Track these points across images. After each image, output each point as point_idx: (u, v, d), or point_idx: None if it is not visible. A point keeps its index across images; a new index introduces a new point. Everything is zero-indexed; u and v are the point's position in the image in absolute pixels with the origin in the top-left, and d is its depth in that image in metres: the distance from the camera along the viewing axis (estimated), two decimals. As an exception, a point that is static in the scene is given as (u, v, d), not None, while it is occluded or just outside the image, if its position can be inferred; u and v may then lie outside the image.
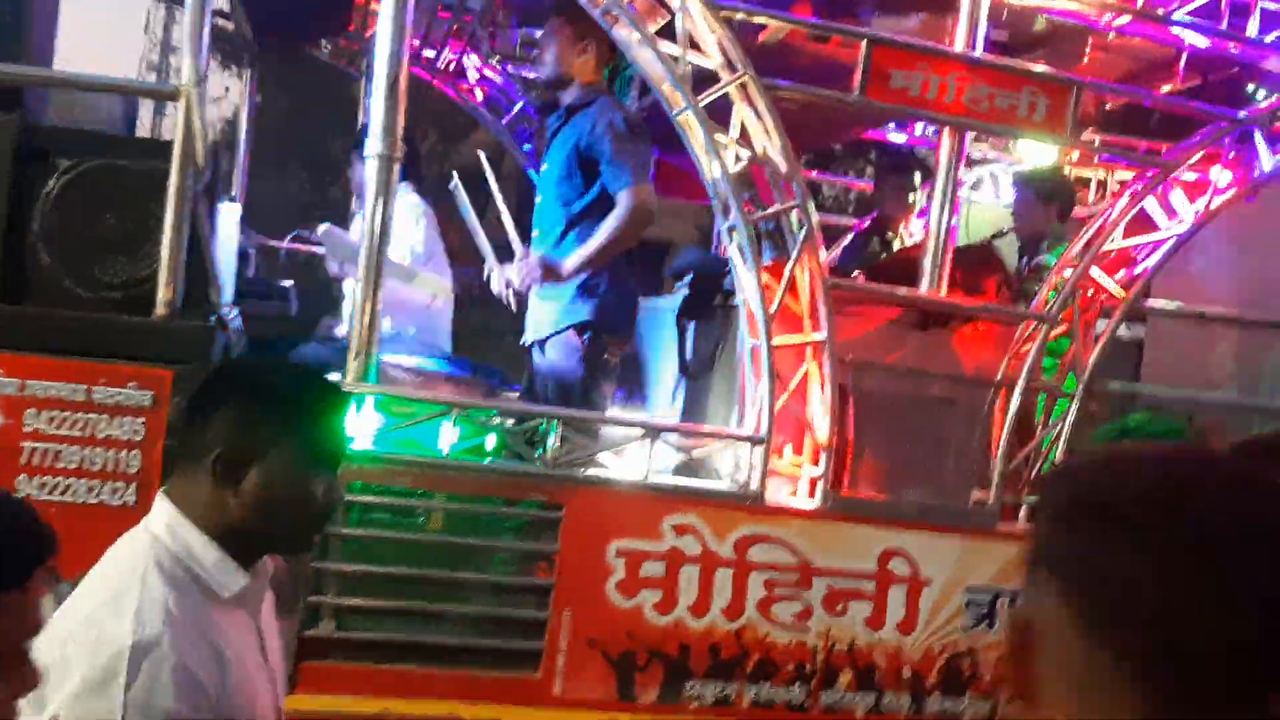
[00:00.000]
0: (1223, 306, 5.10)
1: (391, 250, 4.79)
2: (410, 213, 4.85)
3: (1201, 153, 4.32)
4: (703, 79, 3.96)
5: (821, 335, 3.98)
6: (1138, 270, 4.36)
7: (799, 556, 4.00)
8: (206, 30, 3.55)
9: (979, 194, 6.97)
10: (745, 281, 3.98)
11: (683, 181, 6.54)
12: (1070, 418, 4.24)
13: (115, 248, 3.51)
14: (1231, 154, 4.35)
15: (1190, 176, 4.38)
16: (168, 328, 3.52)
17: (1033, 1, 4.32)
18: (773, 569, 3.98)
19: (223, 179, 4.88)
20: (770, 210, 3.99)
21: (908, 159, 6.30)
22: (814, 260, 3.98)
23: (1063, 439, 4.24)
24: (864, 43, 3.96)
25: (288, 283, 4.65)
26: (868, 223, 6.28)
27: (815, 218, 3.97)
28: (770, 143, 3.94)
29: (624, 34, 3.92)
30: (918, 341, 4.29)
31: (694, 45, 3.94)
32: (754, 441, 3.97)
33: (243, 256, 4.72)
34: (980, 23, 4.15)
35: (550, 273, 4.17)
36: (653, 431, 3.91)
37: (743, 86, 3.91)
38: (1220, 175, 4.37)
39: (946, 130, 4.16)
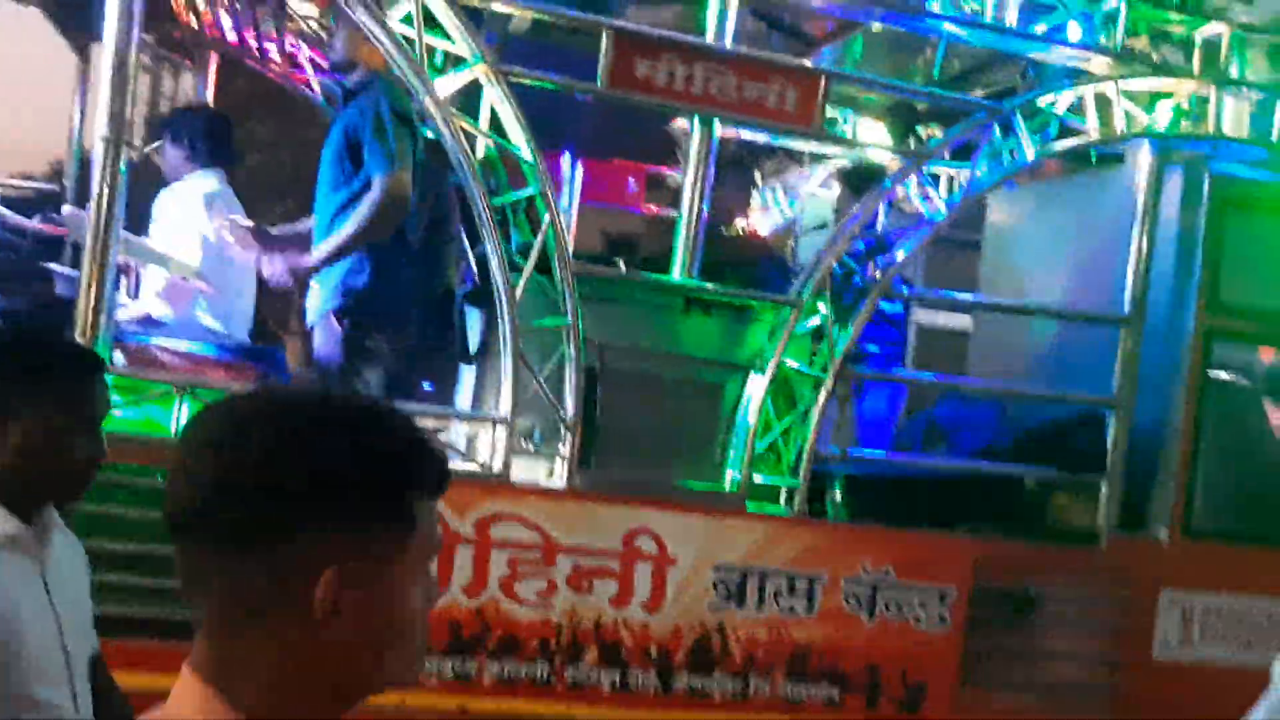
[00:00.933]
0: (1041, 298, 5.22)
1: (176, 237, 4.88)
2: (201, 200, 4.89)
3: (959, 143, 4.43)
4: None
5: (566, 320, 4.07)
6: (895, 257, 4.45)
7: (542, 535, 4.07)
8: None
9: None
10: (494, 266, 4.06)
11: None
12: (820, 400, 4.33)
13: None
14: (990, 144, 4.45)
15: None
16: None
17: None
18: (516, 547, 4.05)
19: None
20: (513, 197, 4.06)
21: (744, 156, 6.40)
22: (560, 246, 4.06)
23: (810, 420, 4.31)
24: (604, 32, 4.05)
25: (59, 267, 4.68)
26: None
27: (555, 206, 4.04)
28: (516, 130, 4.02)
29: (363, 18, 3.99)
30: (678, 325, 4.38)
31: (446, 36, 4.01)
32: (495, 421, 4.05)
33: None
34: (731, 13, 4.24)
35: (297, 273, 4.23)
36: (392, 412, 3.97)
37: (488, 74, 4.00)
38: (981, 165, 4.47)
39: (695, 120, 4.24)
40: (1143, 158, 4.61)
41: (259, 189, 5.31)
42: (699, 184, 4.26)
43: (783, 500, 4.37)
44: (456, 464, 4.08)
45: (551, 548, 4.08)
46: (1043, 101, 4.50)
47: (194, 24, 6.05)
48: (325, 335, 4.33)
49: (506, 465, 4.04)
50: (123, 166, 3.77)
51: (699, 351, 4.39)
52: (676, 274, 4.25)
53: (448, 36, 4.02)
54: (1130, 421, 4.61)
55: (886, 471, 4.75)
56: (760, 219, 7.27)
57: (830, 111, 5.57)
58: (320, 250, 4.25)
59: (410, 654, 1.17)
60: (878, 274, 4.46)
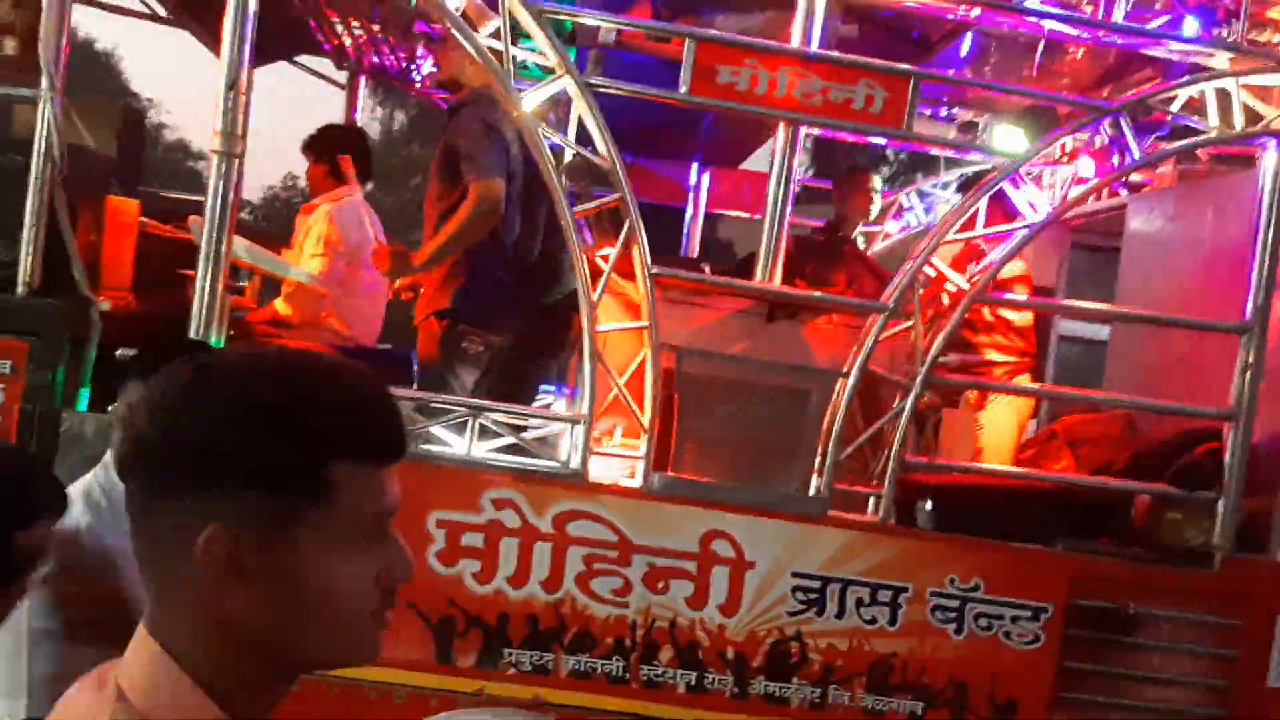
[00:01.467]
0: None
1: (314, 245, 5.18)
2: (336, 211, 5.20)
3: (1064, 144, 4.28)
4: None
5: (644, 322, 4.14)
6: (983, 263, 4.34)
7: (618, 534, 4.15)
8: (64, 38, 3.97)
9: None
10: (576, 270, 4.17)
11: (648, 182, 6.78)
12: (909, 406, 4.26)
13: (-10, 236, 3.96)
14: (1097, 144, 4.30)
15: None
16: (24, 305, 3.95)
17: (878, -2, 4.36)
18: (592, 544, 4.15)
19: (128, 173, 5.30)
20: (591, 204, 4.16)
21: (867, 168, 6.35)
22: (638, 250, 4.14)
23: (900, 427, 4.25)
24: (687, 40, 4.10)
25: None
26: (825, 222, 6.33)
27: (634, 211, 4.12)
28: (599, 139, 4.12)
29: (458, 35, 4.16)
30: (763, 331, 4.39)
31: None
32: (573, 421, 4.15)
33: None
34: (817, 17, 4.23)
35: (400, 263, 4.44)
36: (474, 411, 4.14)
37: (573, 85, 4.11)
38: (1085, 166, 4.32)
39: (780, 125, 4.24)
40: (1269, 157, 4.35)
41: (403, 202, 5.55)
42: (782, 189, 4.27)
43: (870, 509, 4.32)
44: (536, 461, 4.21)
45: (627, 547, 4.15)
46: (1156, 101, 4.31)
47: (344, 45, 6.42)
48: (425, 336, 4.53)
49: (585, 464, 4.14)
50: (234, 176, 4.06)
51: (790, 357, 4.39)
52: (758, 279, 4.27)
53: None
54: (1248, 436, 4.35)
55: (984, 483, 4.62)
56: (892, 225, 7.19)
57: (968, 115, 5.46)
58: (420, 255, 4.46)
59: (346, 628, 1.11)
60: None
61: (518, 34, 4.16)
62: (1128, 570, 4.38)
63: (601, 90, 4.13)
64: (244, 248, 4.79)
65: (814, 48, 4.23)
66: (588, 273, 4.12)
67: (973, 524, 4.41)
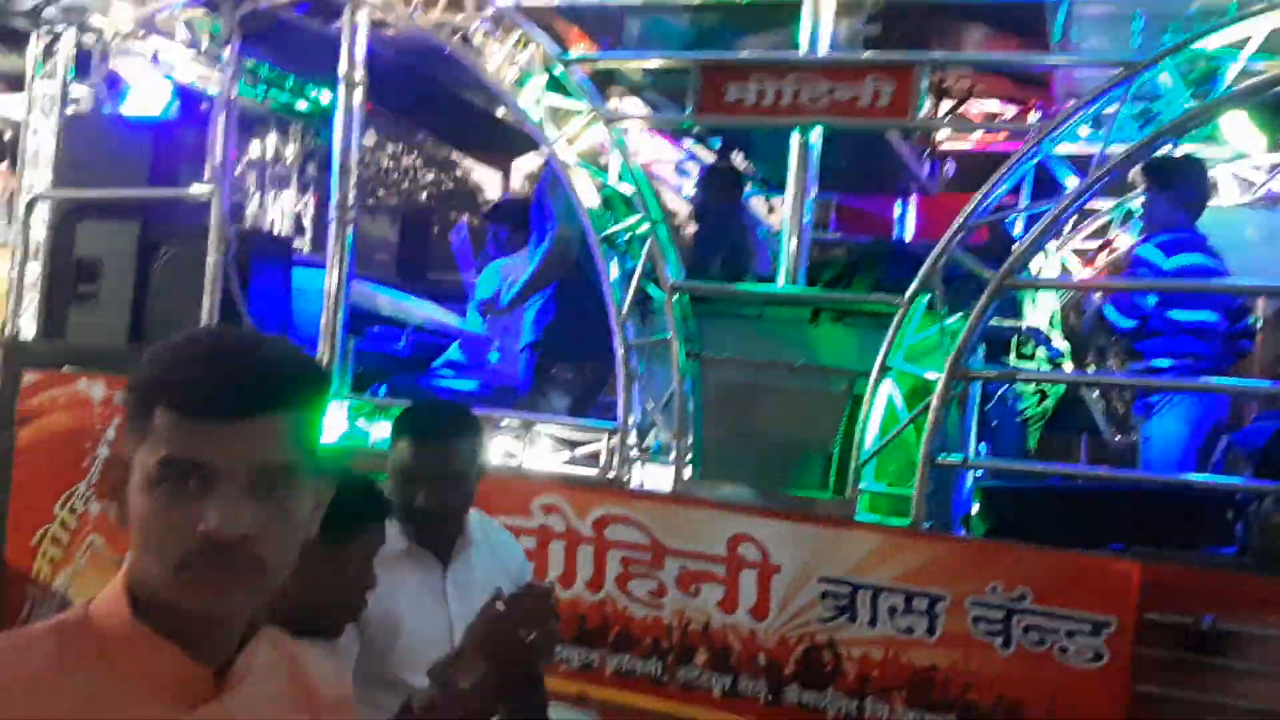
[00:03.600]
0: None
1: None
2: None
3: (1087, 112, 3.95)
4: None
5: (667, 334, 4.35)
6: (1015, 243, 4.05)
7: (650, 537, 4.32)
8: (230, 140, 5.06)
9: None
10: (606, 287, 4.49)
11: (860, 220, 6.82)
12: (935, 403, 4.04)
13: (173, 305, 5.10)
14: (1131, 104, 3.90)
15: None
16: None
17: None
18: (628, 547, 4.36)
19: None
20: (617, 226, 4.47)
21: None
22: (660, 266, 4.38)
23: (931, 425, 4.04)
24: (692, 65, 4.34)
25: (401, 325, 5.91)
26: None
27: (656, 231, 4.37)
28: (623, 165, 4.46)
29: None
30: (805, 336, 4.39)
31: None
32: (610, 431, 4.43)
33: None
34: (823, 24, 4.28)
35: (487, 309, 5.02)
36: (527, 425, 4.56)
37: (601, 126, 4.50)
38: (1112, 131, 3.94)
39: (794, 132, 4.30)
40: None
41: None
42: (799, 194, 4.30)
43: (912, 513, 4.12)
44: (578, 470, 4.52)
45: (660, 550, 4.31)
46: (1211, 43, 3.83)
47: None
48: (523, 366, 5.04)
49: (623, 471, 4.39)
50: (349, 237, 4.90)
51: (832, 361, 4.35)
52: (780, 282, 4.31)
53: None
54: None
55: (1055, 487, 4.20)
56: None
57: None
58: (508, 294, 5.01)
59: (162, 568, 1.14)
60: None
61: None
62: (1214, 579, 3.77)
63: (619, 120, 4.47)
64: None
65: (822, 52, 4.27)
66: (617, 288, 4.43)
67: (1041, 533, 4.03)
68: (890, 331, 4.11)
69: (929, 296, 4.13)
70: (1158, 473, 4.41)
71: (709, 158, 6.31)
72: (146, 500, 1.14)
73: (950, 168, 6.09)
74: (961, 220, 4.11)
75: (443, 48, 4.77)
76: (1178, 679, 3.73)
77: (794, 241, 4.30)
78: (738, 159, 5.98)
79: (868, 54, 4.28)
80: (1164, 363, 4.79)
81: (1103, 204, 5.92)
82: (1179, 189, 4.78)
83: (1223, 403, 4.87)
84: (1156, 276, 4.70)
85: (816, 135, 4.28)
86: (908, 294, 4.09)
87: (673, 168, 6.53)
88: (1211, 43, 3.85)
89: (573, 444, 4.59)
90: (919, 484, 4.06)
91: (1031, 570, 3.92)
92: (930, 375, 4.13)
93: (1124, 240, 5.64)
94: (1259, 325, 5.70)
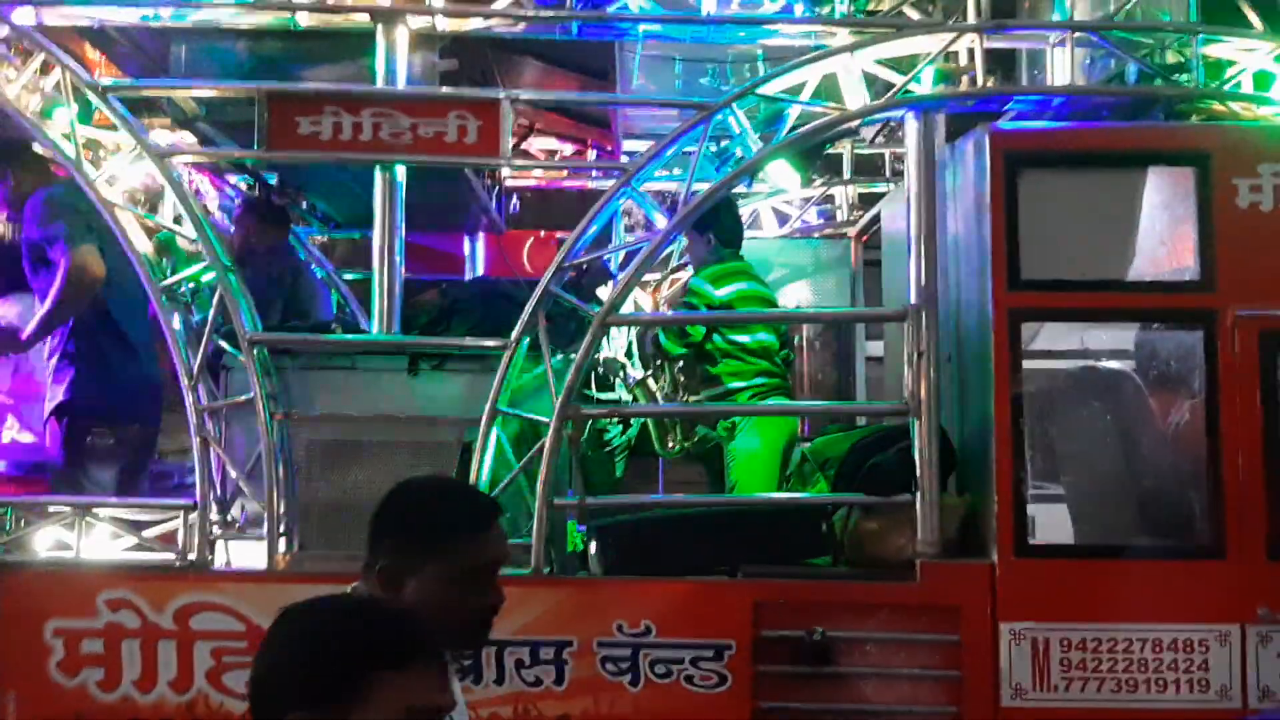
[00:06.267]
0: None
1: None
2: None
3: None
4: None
5: (247, 394, 3.92)
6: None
7: (245, 622, 3.86)
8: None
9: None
10: (172, 344, 3.97)
11: (425, 258, 6.61)
12: (549, 442, 3.94)
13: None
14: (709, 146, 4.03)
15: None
16: None
17: (468, 26, 4.17)
18: (220, 636, 3.86)
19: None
20: (180, 275, 3.98)
21: None
22: (235, 317, 3.94)
23: (545, 468, 3.92)
24: (257, 95, 3.95)
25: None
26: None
27: (226, 280, 3.92)
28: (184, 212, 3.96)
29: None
30: (405, 386, 4.13)
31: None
32: (186, 510, 3.91)
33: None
34: (399, 55, 4.06)
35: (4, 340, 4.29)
36: (81, 509, 3.92)
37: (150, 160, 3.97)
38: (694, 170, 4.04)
39: (376, 170, 4.04)
40: (909, 129, 4.03)
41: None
42: (388, 237, 4.05)
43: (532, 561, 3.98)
44: (152, 556, 3.96)
45: (258, 635, 3.85)
46: (769, 89, 4.04)
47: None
48: (50, 435, 4.35)
49: (205, 553, 3.89)
50: None
51: (433, 410, 4.11)
52: (375, 329, 4.03)
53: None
54: (934, 429, 3.96)
55: (664, 517, 4.27)
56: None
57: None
58: (27, 329, 4.28)
59: None
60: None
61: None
62: (821, 591, 3.98)
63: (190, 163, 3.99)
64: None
65: (400, 85, 4.05)
66: (183, 344, 3.92)
67: (658, 564, 4.06)
68: (499, 374, 3.95)
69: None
70: (751, 494, 4.59)
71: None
72: None
73: (514, 204, 6.05)
74: (560, 258, 4.05)
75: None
76: (797, 691, 3.89)
77: (385, 285, 4.02)
78: (291, 195, 5.56)
79: (450, 89, 4.09)
80: (738, 383, 5.04)
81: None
82: (715, 228, 5.05)
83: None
84: (707, 306, 4.94)
85: (402, 173, 4.05)
86: (514, 335, 3.96)
87: (216, 205, 5.96)
88: (773, 87, 4.07)
89: (139, 525, 4.00)
90: (538, 529, 3.93)
91: (653, 603, 3.92)
92: (535, 418, 4.03)
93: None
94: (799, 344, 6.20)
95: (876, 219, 6.11)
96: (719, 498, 4.52)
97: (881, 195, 6.70)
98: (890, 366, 5.53)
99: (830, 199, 6.59)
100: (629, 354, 5.25)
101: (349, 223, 6.17)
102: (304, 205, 5.75)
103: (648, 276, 6.08)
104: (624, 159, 5.80)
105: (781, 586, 3.97)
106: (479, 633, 2.15)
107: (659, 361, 5.15)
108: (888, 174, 6.51)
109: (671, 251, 5.71)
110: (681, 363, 5.05)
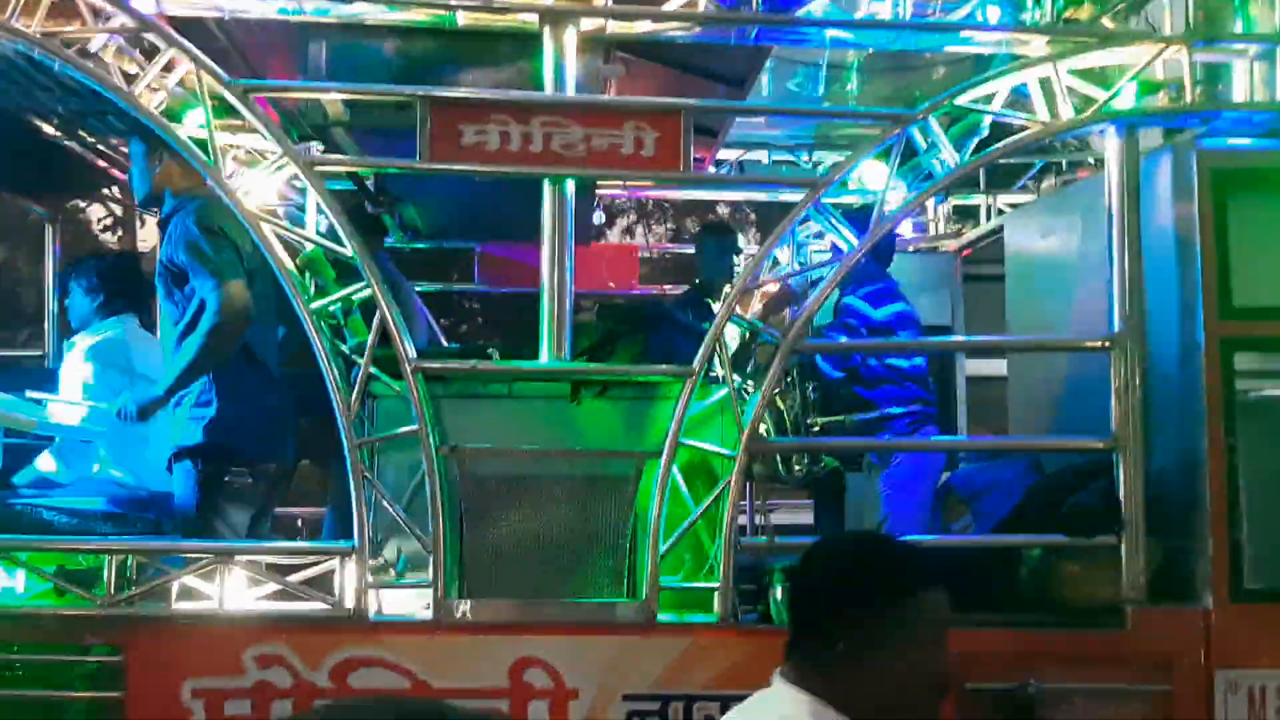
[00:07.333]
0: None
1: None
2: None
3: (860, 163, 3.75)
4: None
5: (406, 425, 3.57)
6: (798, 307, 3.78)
7: (410, 678, 3.52)
8: None
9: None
10: (325, 373, 3.61)
11: (507, 270, 6.27)
12: (733, 479, 3.64)
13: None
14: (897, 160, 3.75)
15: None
16: None
17: (640, 26, 3.85)
18: (381, 695, 3.51)
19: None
20: (334, 296, 3.62)
21: (728, 225, 5.83)
22: (398, 341, 3.59)
23: (731, 505, 3.63)
24: (419, 102, 3.60)
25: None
26: (686, 289, 5.78)
27: (387, 302, 3.57)
28: (336, 224, 3.60)
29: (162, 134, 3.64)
30: (566, 417, 3.80)
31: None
32: (343, 554, 3.55)
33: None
34: (568, 60, 3.73)
35: (145, 410, 3.88)
36: (225, 555, 3.54)
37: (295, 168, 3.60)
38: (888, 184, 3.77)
39: (545, 183, 3.71)
40: (1110, 145, 3.80)
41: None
42: (558, 255, 3.72)
43: (715, 607, 3.68)
44: (303, 606, 3.60)
45: (425, 693, 3.51)
46: (965, 99, 3.78)
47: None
48: (180, 476, 3.95)
49: (363, 601, 3.53)
50: None
51: (598, 442, 3.79)
52: (543, 357, 3.70)
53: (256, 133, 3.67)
54: (1140, 466, 3.73)
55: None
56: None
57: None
58: (165, 381, 3.90)
59: None
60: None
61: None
62: (1023, 640, 3.73)
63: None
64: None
65: (570, 92, 3.72)
66: (339, 375, 3.57)
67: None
68: (680, 403, 3.64)
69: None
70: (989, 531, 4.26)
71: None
72: None
73: (600, 215, 5.74)
74: (743, 281, 3.75)
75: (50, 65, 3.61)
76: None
77: (555, 307, 3.69)
78: (387, 203, 5.18)
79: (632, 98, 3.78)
80: (898, 409, 4.79)
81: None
82: None
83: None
84: (863, 325, 4.70)
85: (571, 187, 3.72)
86: (696, 362, 3.65)
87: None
88: (964, 99, 3.81)
89: (285, 570, 3.63)
90: (724, 572, 3.63)
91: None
92: (718, 449, 3.72)
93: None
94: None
95: (989, 234, 5.90)
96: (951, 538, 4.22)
97: (975, 208, 6.50)
98: (1014, 390, 5.32)
99: (922, 210, 6.35)
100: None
101: (431, 234, 5.83)
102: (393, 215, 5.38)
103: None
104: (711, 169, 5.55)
105: (982, 637, 3.70)
106: (938, 702, 1.87)
107: (788, 379, 4.86)
108: (981, 186, 6.29)
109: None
110: (819, 385, 4.77)
